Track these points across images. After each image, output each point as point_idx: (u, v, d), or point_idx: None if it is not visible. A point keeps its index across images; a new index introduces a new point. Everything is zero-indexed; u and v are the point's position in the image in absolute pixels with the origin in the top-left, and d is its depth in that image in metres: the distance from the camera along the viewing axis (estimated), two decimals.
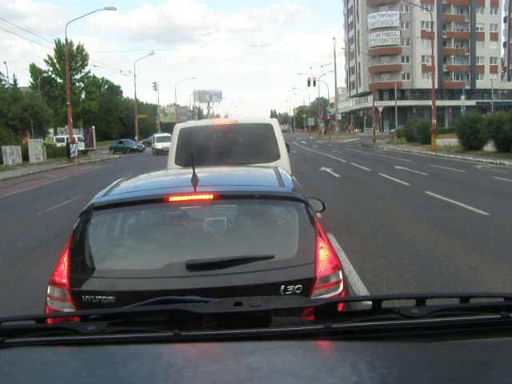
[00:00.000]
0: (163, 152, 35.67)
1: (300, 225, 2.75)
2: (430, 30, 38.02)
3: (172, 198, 2.79)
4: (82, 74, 63.15)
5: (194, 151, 4.06)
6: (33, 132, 40.61)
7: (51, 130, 51.51)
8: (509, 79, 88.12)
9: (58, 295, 2.56)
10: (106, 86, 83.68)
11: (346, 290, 2.66)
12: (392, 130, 49.85)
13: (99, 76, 78.17)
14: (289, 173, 3.88)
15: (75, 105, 55.32)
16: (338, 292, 2.56)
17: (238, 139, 7.17)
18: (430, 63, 42.95)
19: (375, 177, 17.28)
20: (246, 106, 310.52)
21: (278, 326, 1.21)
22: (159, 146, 41.24)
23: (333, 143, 50.87)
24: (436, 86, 37.15)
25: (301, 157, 28.86)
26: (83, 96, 64.57)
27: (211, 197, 2.81)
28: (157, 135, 46.84)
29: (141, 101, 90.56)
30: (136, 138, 55.38)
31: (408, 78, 74.91)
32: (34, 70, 61.62)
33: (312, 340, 1.10)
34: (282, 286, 2.44)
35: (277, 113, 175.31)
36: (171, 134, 7.65)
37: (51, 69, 61.60)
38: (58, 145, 42.49)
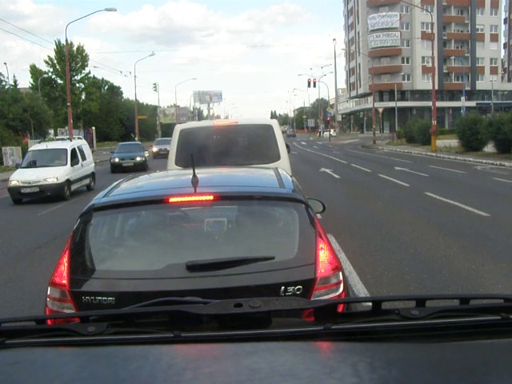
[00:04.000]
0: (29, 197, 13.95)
1: (300, 226, 2.75)
2: (430, 31, 38.07)
3: (172, 199, 2.79)
4: (82, 75, 63.20)
5: (195, 152, 4.07)
6: (33, 133, 40.62)
7: (51, 131, 51.46)
8: (509, 80, 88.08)
9: (58, 296, 2.56)
10: (106, 87, 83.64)
11: (346, 291, 2.66)
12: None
13: (99, 77, 78.20)
14: (289, 174, 3.88)
15: (75, 106, 55.29)
16: (338, 293, 2.56)
17: (238, 140, 7.16)
18: (430, 64, 43.00)
19: (375, 178, 17.28)
20: (247, 107, 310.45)
21: (278, 327, 1.21)
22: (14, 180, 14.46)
23: (333, 144, 50.87)
24: (436, 87, 37.18)
25: (301, 158, 28.87)
26: (83, 97, 64.57)
27: (211, 198, 2.80)
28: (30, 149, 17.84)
29: (141, 102, 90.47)
30: (136, 139, 55.33)
31: (408, 79, 74.89)
32: (35, 71, 61.64)
33: (312, 341, 1.10)
34: (282, 287, 2.44)
35: (277, 114, 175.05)
36: (171, 135, 7.52)
37: (51, 70, 61.67)
38: None
